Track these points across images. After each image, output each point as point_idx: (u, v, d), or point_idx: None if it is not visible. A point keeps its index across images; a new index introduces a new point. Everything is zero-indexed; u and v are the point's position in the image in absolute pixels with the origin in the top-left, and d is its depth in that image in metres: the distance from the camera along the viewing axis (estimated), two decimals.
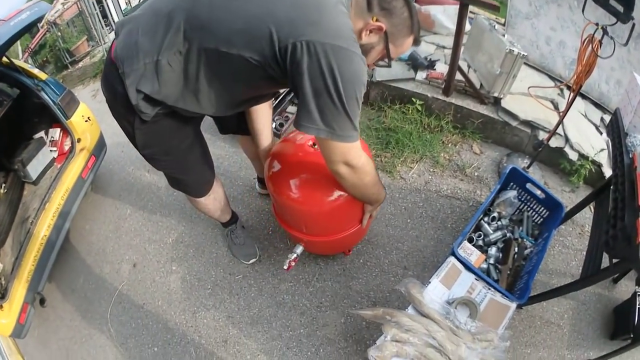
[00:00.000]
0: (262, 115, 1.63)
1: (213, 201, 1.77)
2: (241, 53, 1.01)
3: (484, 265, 1.82)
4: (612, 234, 1.28)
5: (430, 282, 1.52)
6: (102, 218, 2.46)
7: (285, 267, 1.71)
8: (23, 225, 2.02)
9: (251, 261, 2.09)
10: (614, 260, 1.36)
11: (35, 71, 2.09)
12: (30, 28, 1.85)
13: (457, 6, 2.15)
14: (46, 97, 2.02)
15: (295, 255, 1.73)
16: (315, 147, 1.52)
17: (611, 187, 1.61)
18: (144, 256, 2.23)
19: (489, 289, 1.55)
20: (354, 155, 1.18)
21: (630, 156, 1.45)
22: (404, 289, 1.48)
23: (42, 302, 1.98)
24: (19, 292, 1.85)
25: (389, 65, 1.24)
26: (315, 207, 1.51)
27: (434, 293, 1.49)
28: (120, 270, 2.21)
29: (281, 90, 2.50)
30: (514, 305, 1.50)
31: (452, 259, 1.61)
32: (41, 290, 1.99)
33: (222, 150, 2.66)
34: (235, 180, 2.46)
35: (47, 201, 1.99)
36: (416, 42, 1.20)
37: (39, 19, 1.88)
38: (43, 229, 1.95)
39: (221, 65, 1.07)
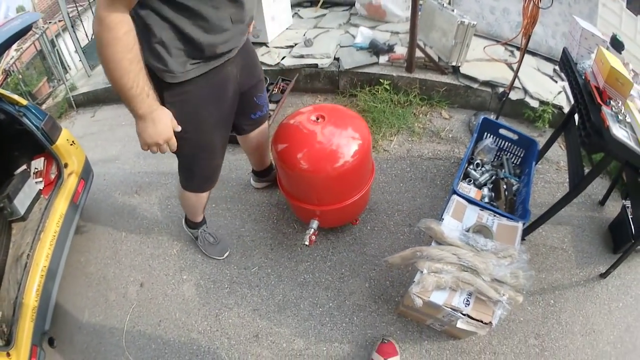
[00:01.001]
0: None
1: (207, 195, 1.87)
2: None
3: None
4: (585, 133, 1.47)
5: (443, 219, 1.63)
6: (97, 247, 2.36)
7: (306, 243, 1.77)
8: (18, 262, 1.90)
9: (225, 255, 2.11)
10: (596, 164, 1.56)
11: (15, 97, 2.02)
12: (22, 34, 1.84)
13: None
14: (29, 122, 1.95)
15: (313, 230, 1.80)
16: (319, 120, 1.62)
17: (575, 113, 1.83)
18: (150, 273, 2.16)
19: (495, 215, 1.69)
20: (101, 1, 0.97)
21: (583, 77, 1.69)
22: (424, 226, 1.57)
23: (51, 342, 1.85)
24: (25, 334, 1.70)
25: None
26: (324, 173, 1.60)
27: (450, 225, 1.60)
28: (127, 293, 2.12)
29: None
30: (520, 224, 1.64)
31: (455, 197, 1.73)
32: (48, 330, 1.87)
33: None
34: (228, 182, 2.49)
35: (41, 231, 1.89)
36: None
37: (31, 26, 1.87)
38: (42, 260, 1.83)
39: None
